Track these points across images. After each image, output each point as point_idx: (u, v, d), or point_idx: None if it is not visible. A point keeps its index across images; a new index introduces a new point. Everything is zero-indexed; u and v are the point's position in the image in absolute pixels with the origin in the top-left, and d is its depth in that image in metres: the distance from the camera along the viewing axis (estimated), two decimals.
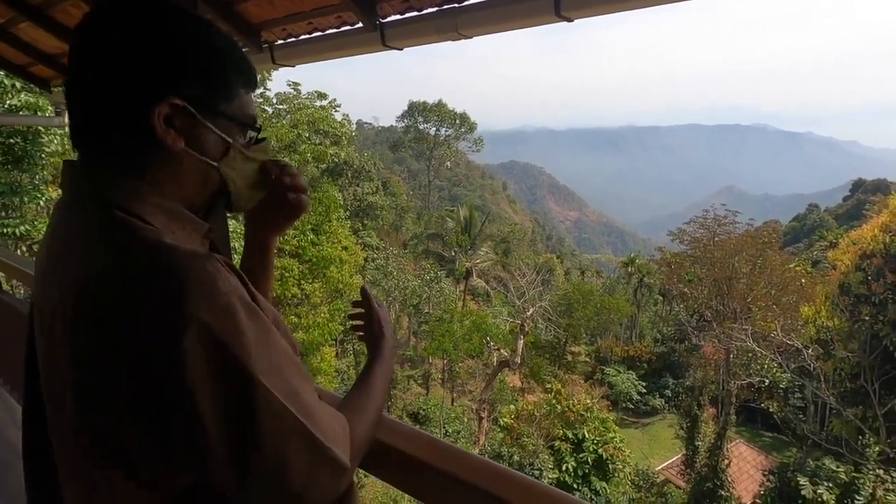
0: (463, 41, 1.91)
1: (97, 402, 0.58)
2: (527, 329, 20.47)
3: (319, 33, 2.23)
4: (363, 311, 1.00)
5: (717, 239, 20.87)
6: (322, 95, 24.65)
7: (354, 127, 37.70)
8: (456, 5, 1.77)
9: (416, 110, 50.45)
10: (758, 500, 14.18)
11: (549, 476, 13.47)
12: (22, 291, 6.69)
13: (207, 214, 0.76)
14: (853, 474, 11.88)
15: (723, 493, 14.44)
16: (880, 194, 31.92)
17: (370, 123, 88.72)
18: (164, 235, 0.62)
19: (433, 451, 0.90)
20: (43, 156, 8.58)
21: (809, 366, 16.28)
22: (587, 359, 29.52)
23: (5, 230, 8.15)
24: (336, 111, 25.51)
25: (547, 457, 14.01)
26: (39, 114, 7.80)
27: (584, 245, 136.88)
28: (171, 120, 0.64)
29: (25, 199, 8.42)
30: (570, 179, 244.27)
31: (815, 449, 16.90)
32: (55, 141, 8.81)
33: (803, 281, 18.92)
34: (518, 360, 19.13)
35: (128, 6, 0.65)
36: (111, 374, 0.56)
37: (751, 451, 19.17)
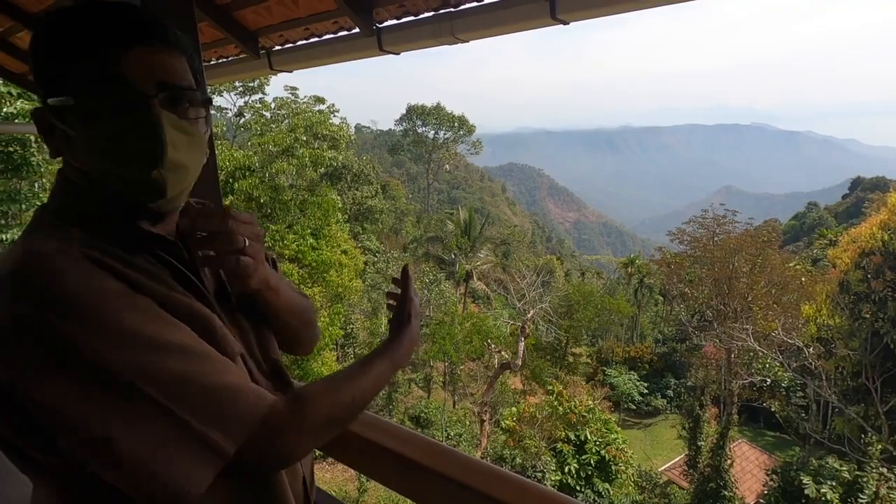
0: (460, 45, 1.91)
1: None
2: (528, 331, 20.41)
3: (317, 39, 2.23)
4: (400, 291, 0.97)
5: (716, 238, 20.87)
6: (320, 100, 24.60)
7: (353, 131, 37.70)
8: (452, 10, 1.77)
9: (414, 114, 50.44)
10: (761, 501, 14.12)
11: (552, 478, 13.41)
12: None
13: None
14: (856, 473, 11.82)
15: (726, 493, 14.36)
16: (879, 192, 31.85)
17: (369, 127, 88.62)
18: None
19: (430, 454, 0.90)
20: (41, 163, 8.61)
21: (811, 364, 16.29)
22: (588, 360, 29.41)
23: (4, 237, 8.16)
24: (334, 115, 25.47)
25: (549, 459, 13.95)
26: None
27: (584, 246, 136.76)
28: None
29: (24, 206, 8.45)
30: (569, 181, 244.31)
31: (818, 448, 16.87)
32: None
33: (803, 279, 18.88)
34: (519, 362, 19.07)
35: None
36: None
37: (753, 450, 19.10)
